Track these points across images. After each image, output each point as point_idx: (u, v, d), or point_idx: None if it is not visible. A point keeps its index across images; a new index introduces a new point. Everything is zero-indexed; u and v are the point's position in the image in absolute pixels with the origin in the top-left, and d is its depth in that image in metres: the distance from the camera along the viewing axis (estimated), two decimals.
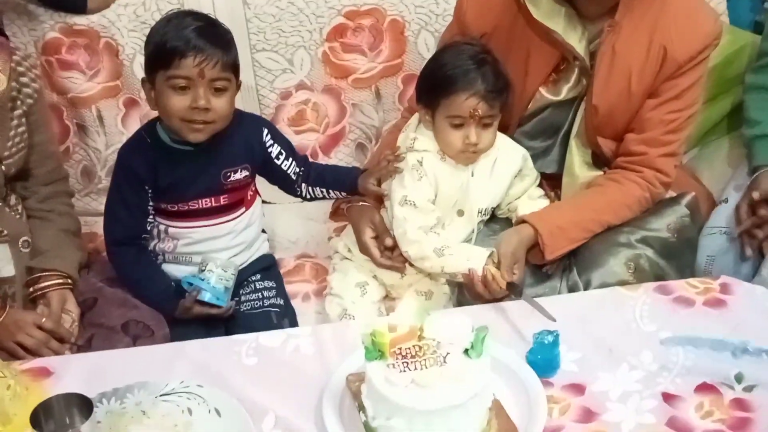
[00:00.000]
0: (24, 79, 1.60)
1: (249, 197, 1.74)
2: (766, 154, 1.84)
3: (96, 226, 1.88)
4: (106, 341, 1.55)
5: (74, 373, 1.35)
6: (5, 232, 1.58)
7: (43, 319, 1.53)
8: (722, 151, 2.08)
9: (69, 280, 1.61)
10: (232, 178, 1.67)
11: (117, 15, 2.00)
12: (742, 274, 1.74)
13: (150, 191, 1.64)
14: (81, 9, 1.99)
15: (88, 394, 1.23)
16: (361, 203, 1.72)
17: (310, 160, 1.88)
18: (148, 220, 1.67)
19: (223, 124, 1.60)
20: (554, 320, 1.33)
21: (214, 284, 1.65)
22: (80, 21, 1.99)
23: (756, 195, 1.75)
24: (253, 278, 1.78)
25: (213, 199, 1.67)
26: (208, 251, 1.70)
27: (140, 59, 1.99)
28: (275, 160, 1.74)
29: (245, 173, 1.69)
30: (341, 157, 2.14)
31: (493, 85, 1.57)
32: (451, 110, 1.58)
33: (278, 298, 1.76)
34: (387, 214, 1.69)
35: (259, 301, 1.74)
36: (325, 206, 1.89)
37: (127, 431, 1.20)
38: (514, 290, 1.47)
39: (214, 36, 1.54)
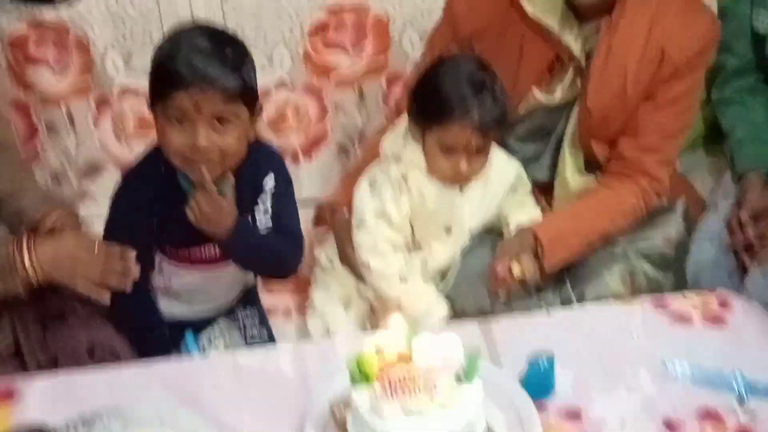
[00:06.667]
0: None
1: None
2: (743, 160, 1.81)
3: None
4: (70, 364, 1.39)
5: (39, 395, 1.26)
6: None
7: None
8: (711, 157, 2.05)
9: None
10: None
11: (87, 8, 1.88)
12: (727, 283, 1.70)
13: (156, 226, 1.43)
14: None
15: (55, 419, 1.16)
16: (346, 212, 1.64)
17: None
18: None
19: (233, 162, 1.37)
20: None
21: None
22: (49, 13, 1.88)
23: (744, 215, 1.71)
24: (236, 308, 1.63)
25: (215, 246, 1.46)
26: (201, 290, 1.55)
27: (112, 55, 1.91)
28: (254, 211, 1.48)
29: None
30: (324, 159, 2.05)
31: (490, 114, 1.46)
32: (442, 138, 1.47)
33: (260, 327, 1.63)
34: None
35: (241, 331, 1.61)
36: (308, 213, 1.80)
37: None
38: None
39: (217, 59, 1.30)
